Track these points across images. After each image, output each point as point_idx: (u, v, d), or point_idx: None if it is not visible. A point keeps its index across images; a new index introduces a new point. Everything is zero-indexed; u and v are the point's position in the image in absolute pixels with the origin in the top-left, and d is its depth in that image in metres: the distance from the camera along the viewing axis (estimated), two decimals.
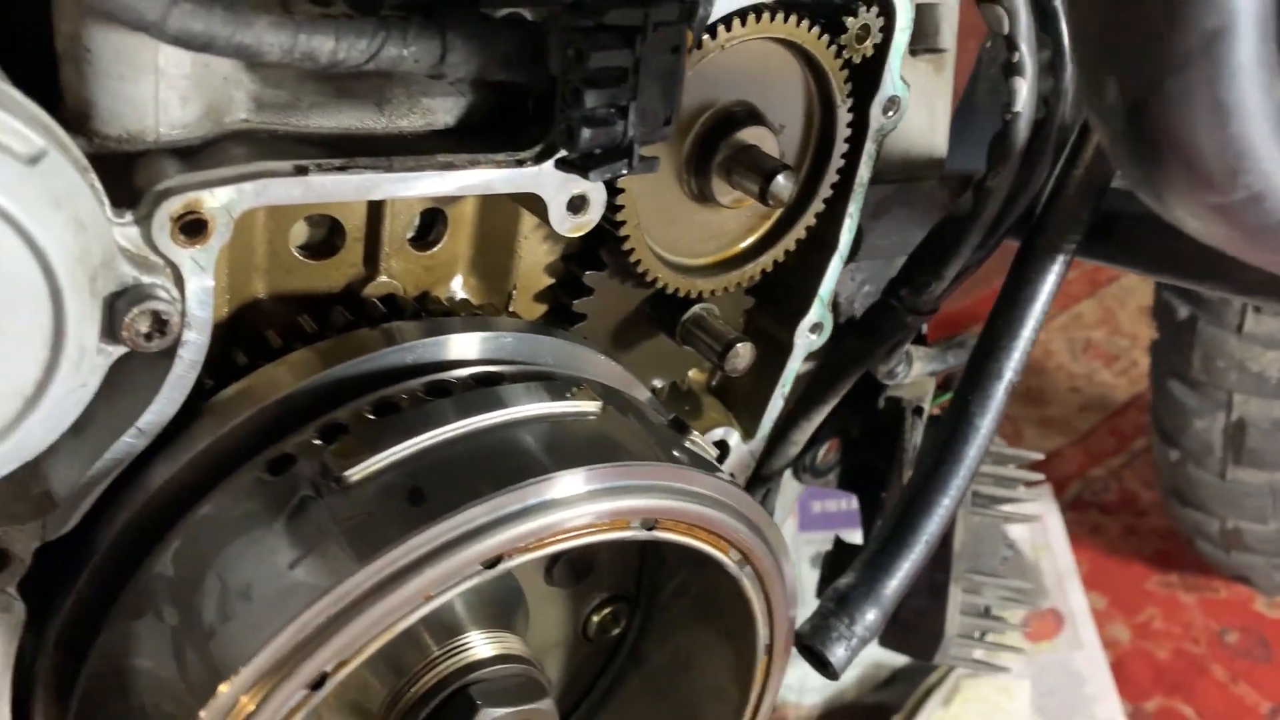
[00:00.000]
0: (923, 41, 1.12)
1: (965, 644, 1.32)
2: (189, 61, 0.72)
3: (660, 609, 1.02)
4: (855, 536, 1.34)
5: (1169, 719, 2.07)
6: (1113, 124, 0.54)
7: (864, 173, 1.02)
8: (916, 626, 1.29)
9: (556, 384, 0.83)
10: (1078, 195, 1.00)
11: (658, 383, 1.09)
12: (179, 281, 0.70)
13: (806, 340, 1.09)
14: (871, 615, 0.98)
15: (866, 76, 0.98)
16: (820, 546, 2.13)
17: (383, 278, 0.90)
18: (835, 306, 1.16)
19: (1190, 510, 2.06)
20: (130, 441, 0.74)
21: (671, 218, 0.97)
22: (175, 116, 0.74)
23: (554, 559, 0.96)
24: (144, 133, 0.73)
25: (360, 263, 0.90)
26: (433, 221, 0.92)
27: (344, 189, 0.75)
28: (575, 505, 0.74)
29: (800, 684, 2.00)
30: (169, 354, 0.72)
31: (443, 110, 0.84)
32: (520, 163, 0.81)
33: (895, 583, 0.99)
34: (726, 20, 0.88)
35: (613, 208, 0.88)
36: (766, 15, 0.89)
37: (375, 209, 0.88)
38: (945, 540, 1.11)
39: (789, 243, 1.02)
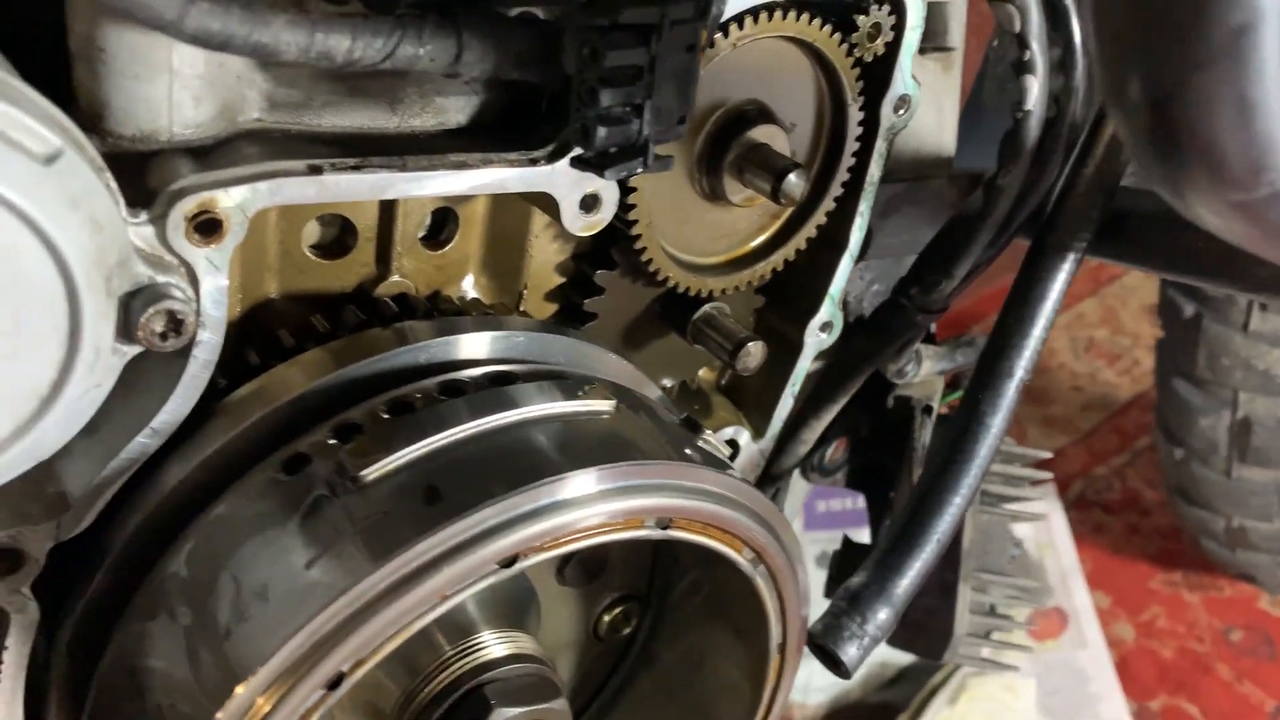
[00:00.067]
0: (931, 40, 1.12)
1: (974, 643, 1.32)
2: (203, 61, 0.72)
3: (672, 608, 1.02)
4: (860, 535, 1.33)
5: (1174, 717, 2.08)
6: (1134, 121, 0.54)
7: (875, 171, 1.02)
8: (926, 625, 1.29)
9: (569, 383, 0.82)
10: (1088, 193, 1.00)
11: (668, 382, 1.09)
12: (194, 281, 0.70)
13: (817, 339, 1.09)
14: (884, 614, 0.97)
15: (877, 75, 0.98)
16: (825, 546, 2.14)
17: (394, 277, 0.90)
18: (845, 305, 1.15)
19: (1195, 509, 2.06)
20: (144, 441, 0.74)
21: (683, 216, 0.97)
22: (189, 116, 0.74)
23: (566, 559, 0.96)
24: (158, 132, 0.73)
25: (372, 262, 0.90)
26: (444, 221, 0.92)
27: (358, 188, 0.75)
28: (590, 504, 0.74)
29: (806, 684, 2.00)
30: (183, 354, 0.71)
31: (455, 109, 0.84)
32: (533, 161, 0.80)
33: (907, 581, 0.99)
34: (739, 19, 0.88)
35: (624, 206, 0.88)
36: (778, 13, 0.89)
37: (387, 208, 0.88)
38: (955, 539, 1.10)
39: (800, 241, 1.02)
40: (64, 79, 0.72)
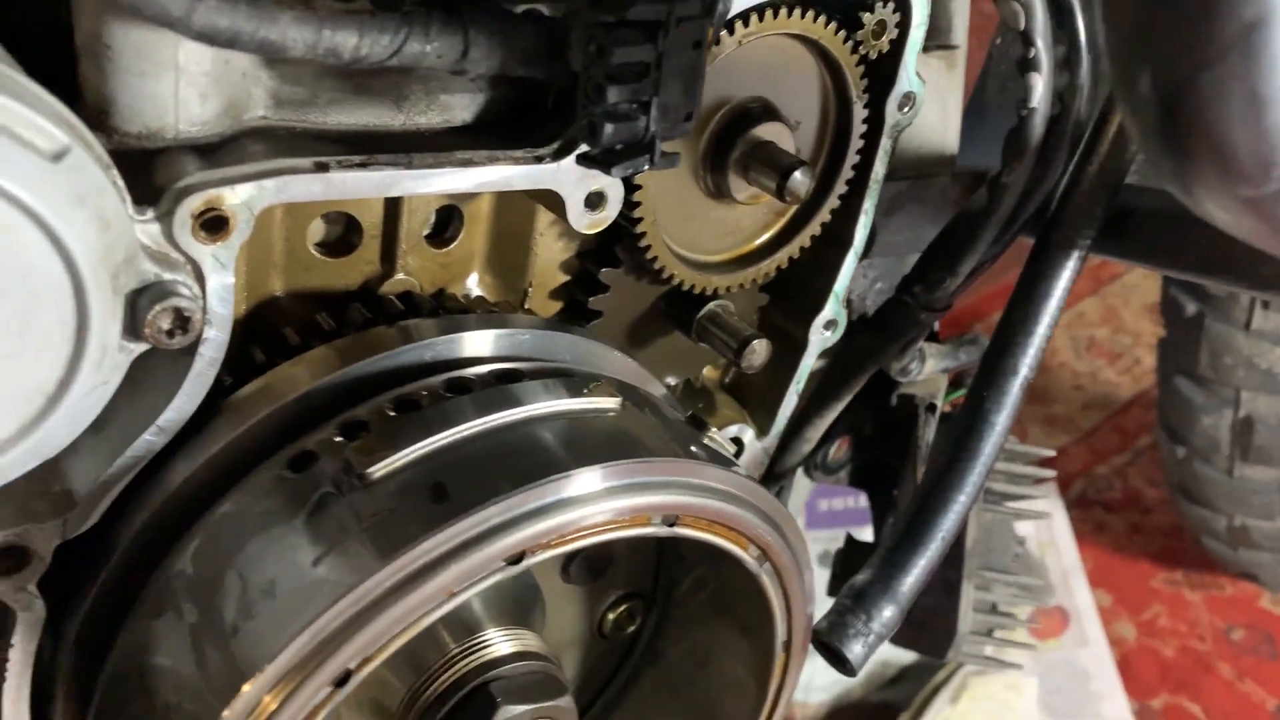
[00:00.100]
0: (935, 38, 1.11)
1: (977, 641, 1.32)
2: (209, 58, 0.72)
3: (676, 605, 1.02)
4: (862, 534, 1.33)
5: (1175, 716, 2.07)
6: (1145, 116, 0.54)
7: (879, 169, 1.02)
8: (929, 623, 1.29)
9: (574, 381, 0.83)
10: (1093, 191, 1.00)
11: (672, 380, 1.09)
12: (200, 278, 0.70)
13: (821, 337, 1.09)
14: (889, 612, 0.97)
15: (882, 72, 0.98)
16: (827, 544, 2.14)
17: (399, 275, 0.90)
18: (849, 303, 1.15)
19: (1197, 507, 2.06)
20: (150, 439, 0.74)
21: (688, 214, 0.97)
22: (195, 113, 0.73)
23: (571, 556, 0.96)
24: (163, 130, 0.73)
25: (377, 260, 0.90)
26: (449, 218, 0.92)
27: (364, 186, 0.75)
28: (597, 502, 0.74)
29: (808, 682, 2.00)
30: (190, 351, 0.71)
31: (460, 107, 0.83)
32: (539, 159, 0.80)
33: (912, 579, 0.99)
34: (744, 16, 0.88)
35: (629, 204, 0.88)
36: (784, 11, 0.89)
37: (392, 206, 0.88)
38: (958, 537, 1.10)
39: (804, 239, 1.02)
40: (70, 76, 0.72)
